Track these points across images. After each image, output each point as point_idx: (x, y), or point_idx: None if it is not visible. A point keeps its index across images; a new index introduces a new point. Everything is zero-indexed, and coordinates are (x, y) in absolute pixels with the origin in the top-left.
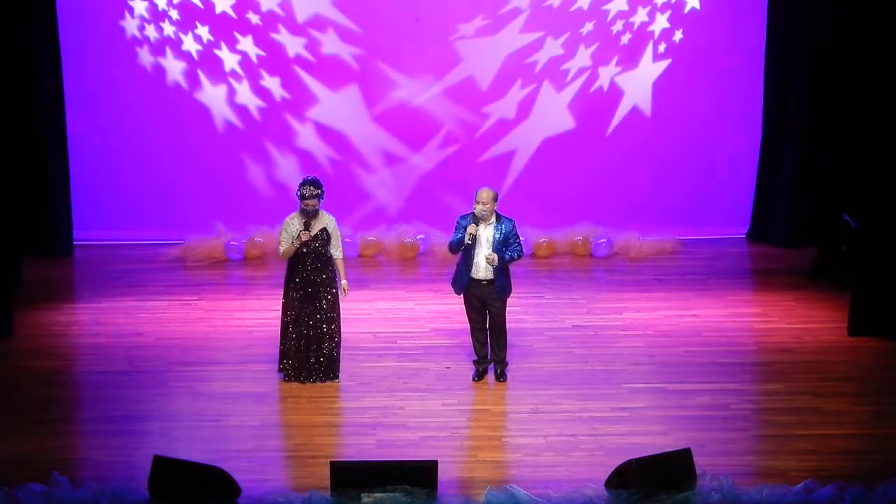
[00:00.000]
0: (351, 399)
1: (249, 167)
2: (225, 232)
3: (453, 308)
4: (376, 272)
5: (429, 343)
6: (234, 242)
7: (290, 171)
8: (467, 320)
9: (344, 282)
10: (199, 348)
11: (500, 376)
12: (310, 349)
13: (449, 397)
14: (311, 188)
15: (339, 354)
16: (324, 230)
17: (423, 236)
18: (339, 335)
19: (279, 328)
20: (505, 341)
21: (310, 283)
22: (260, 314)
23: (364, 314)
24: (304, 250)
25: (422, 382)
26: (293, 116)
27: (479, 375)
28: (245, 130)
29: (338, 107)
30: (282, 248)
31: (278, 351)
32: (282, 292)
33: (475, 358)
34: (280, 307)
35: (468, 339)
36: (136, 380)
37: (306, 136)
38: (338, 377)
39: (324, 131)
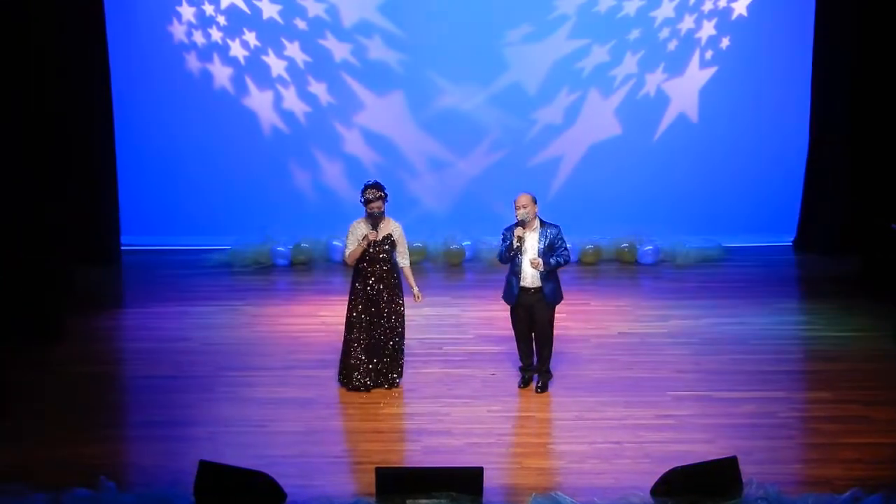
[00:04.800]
0: (396, 405)
1: (296, 173)
2: (271, 238)
3: (499, 315)
4: (422, 279)
5: (474, 350)
6: (281, 248)
7: (336, 177)
8: (512, 329)
9: (416, 289)
10: (244, 354)
11: (542, 388)
12: (373, 358)
13: (494, 404)
14: (375, 190)
15: (401, 363)
16: (388, 237)
17: (469, 243)
18: (403, 345)
19: (341, 337)
20: (550, 352)
21: (374, 291)
22: (305, 320)
23: (410, 320)
24: (368, 257)
25: (467, 389)
26: (339, 122)
27: (525, 382)
28: (291, 136)
29: (384, 112)
30: (347, 251)
31: (339, 359)
32: (347, 298)
33: (521, 365)
34: (344, 314)
35: (514, 346)
36: (183, 385)
37: (352, 142)
38: (397, 384)
39: (370, 137)
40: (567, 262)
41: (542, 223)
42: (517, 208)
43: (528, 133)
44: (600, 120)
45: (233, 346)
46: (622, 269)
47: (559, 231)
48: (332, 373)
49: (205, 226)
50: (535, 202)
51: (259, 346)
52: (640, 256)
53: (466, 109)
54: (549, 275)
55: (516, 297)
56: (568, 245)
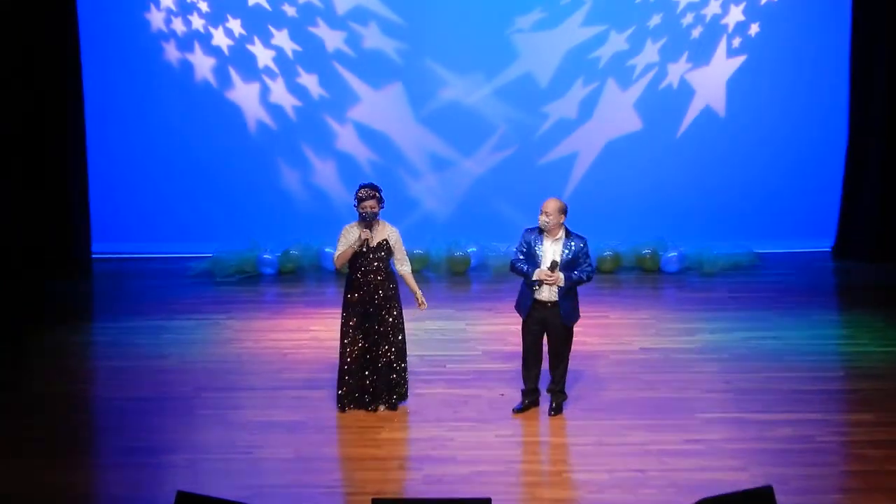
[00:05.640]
0: (395, 429)
1: (284, 172)
2: (257, 244)
3: (508, 328)
4: (423, 289)
5: (481, 367)
6: (268, 256)
7: (328, 177)
8: (522, 344)
9: (419, 295)
10: (228, 372)
11: (556, 410)
12: (370, 378)
13: (503, 428)
14: (369, 189)
15: (405, 380)
16: (384, 243)
17: (474, 249)
18: (405, 359)
19: (337, 351)
20: (564, 371)
21: (368, 301)
22: (296, 335)
23: (409, 335)
24: (361, 266)
25: (473, 411)
26: (332, 117)
27: (525, 406)
28: (280, 132)
29: (381, 106)
30: (336, 254)
31: (337, 377)
32: (341, 312)
33: (524, 387)
34: (337, 326)
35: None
36: (161, 407)
37: (346, 139)
38: (397, 406)
39: (366, 133)
40: (589, 279)
41: (568, 233)
42: (541, 213)
43: (539, 129)
44: (618, 114)
45: (215, 365)
46: (644, 279)
47: (585, 245)
48: (325, 393)
49: (184, 231)
50: (564, 213)
51: (244, 365)
52: (664, 264)
53: (471, 103)
54: (567, 291)
55: (529, 308)
56: (591, 261)
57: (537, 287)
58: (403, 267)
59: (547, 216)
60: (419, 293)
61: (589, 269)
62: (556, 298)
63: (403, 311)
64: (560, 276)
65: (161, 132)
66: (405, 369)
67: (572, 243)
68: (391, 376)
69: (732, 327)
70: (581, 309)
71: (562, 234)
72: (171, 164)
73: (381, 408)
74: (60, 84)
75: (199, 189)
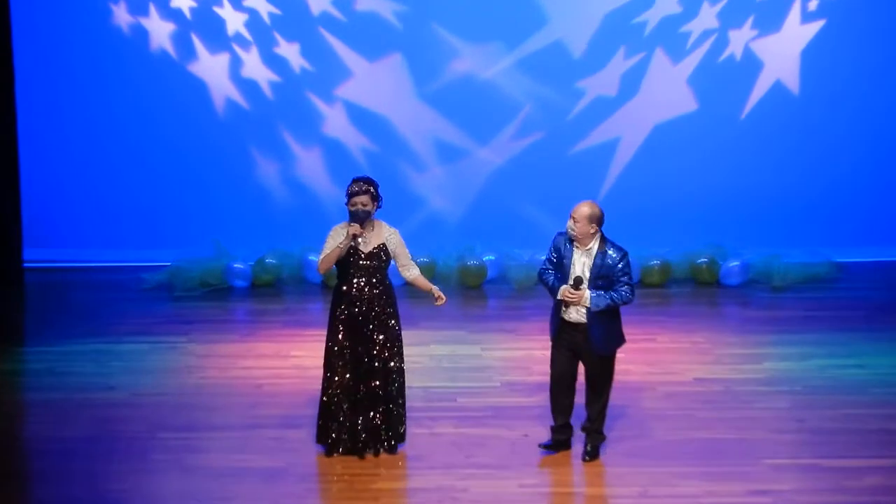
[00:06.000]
0: (394, 478)
1: (259, 163)
2: (226, 251)
3: (533, 354)
4: (428, 305)
5: (500, 402)
6: (239, 265)
7: (312, 169)
8: (550, 372)
9: (435, 289)
10: (190, 408)
11: (591, 454)
12: (363, 414)
13: (526, 476)
14: (362, 183)
15: (403, 416)
16: (381, 248)
17: (492, 257)
18: (403, 389)
19: (321, 380)
20: (602, 408)
21: (360, 317)
22: (273, 362)
23: (413, 362)
24: (354, 278)
25: (490, 456)
26: (318, 95)
27: (555, 446)
28: (254, 114)
29: (377, 83)
30: (320, 257)
31: (318, 410)
32: (326, 332)
33: (553, 423)
34: (322, 351)
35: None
36: (108, 450)
37: (335, 122)
38: (395, 449)
39: (359, 115)
40: (625, 302)
41: (604, 241)
42: (570, 218)
43: (571, 110)
44: (669, 92)
45: (173, 399)
46: (699, 293)
47: (623, 259)
48: (308, 434)
49: (136, 236)
50: (596, 222)
51: (210, 398)
52: (724, 275)
53: (488, 78)
54: (601, 313)
55: (557, 331)
56: (632, 279)
57: (564, 307)
58: (411, 271)
59: (574, 223)
60: (435, 288)
61: (626, 290)
62: (584, 320)
63: (404, 332)
64: (586, 295)
65: (108, 115)
66: (404, 404)
67: (607, 256)
68: (389, 414)
69: (807, 353)
70: (624, 330)
71: (595, 244)
72: (120, 155)
73: (380, 452)
74: None
75: (154, 184)
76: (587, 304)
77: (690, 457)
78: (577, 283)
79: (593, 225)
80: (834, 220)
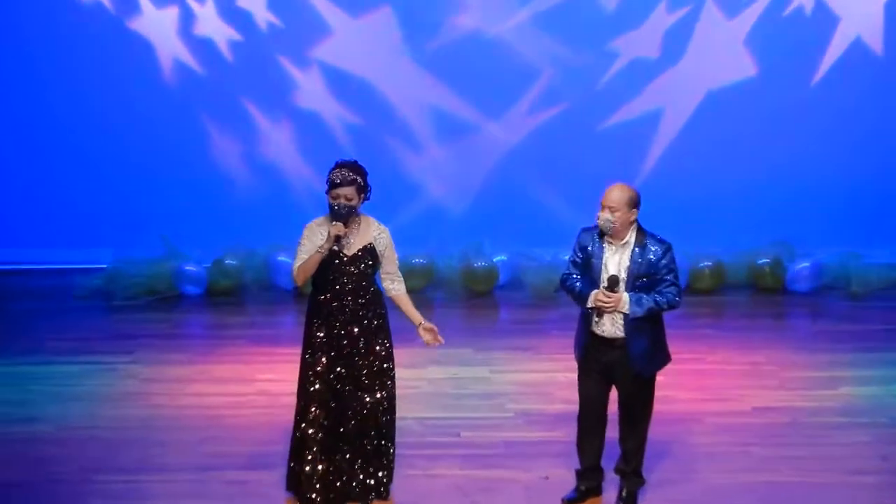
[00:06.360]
0: None
1: (216, 140)
2: (176, 250)
3: (555, 378)
4: (427, 316)
5: (513, 436)
6: (192, 267)
7: (282, 148)
8: (578, 400)
9: (425, 322)
10: (133, 444)
11: (627, 501)
12: (342, 450)
13: None
14: (346, 170)
15: (391, 459)
16: (367, 249)
17: (504, 258)
18: (393, 428)
19: (294, 412)
20: (642, 442)
21: (343, 334)
22: (234, 387)
23: (407, 388)
24: (335, 286)
25: (502, 502)
26: (289, 57)
27: (581, 495)
28: (209, 80)
29: (362, 42)
30: (297, 263)
31: (289, 448)
32: (300, 351)
33: (578, 467)
34: (295, 375)
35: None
36: (34, 496)
37: (310, 90)
38: (386, 495)
39: (340, 82)
40: (672, 306)
41: (642, 236)
42: (601, 207)
43: (601, 76)
44: (723, 53)
45: (112, 432)
46: (760, 303)
47: (667, 253)
48: (277, 476)
49: (66, 232)
50: (635, 206)
51: (157, 433)
52: (791, 279)
53: (498, 37)
54: (641, 323)
55: (584, 348)
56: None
57: (597, 318)
58: (395, 285)
59: (611, 212)
60: (424, 320)
61: (672, 291)
62: (623, 333)
63: (396, 351)
64: (624, 298)
65: (31, 85)
66: (394, 439)
67: (648, 251)
68: (377, 451)
69: (892, 376)
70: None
71: (631, 237)
72: (46, 132)
73: (362, 501)
74: None
75: (88, 168)
76: (625, 308)
77: (748, 503)
78: (613, 283)
79: (633, 210)
80: None
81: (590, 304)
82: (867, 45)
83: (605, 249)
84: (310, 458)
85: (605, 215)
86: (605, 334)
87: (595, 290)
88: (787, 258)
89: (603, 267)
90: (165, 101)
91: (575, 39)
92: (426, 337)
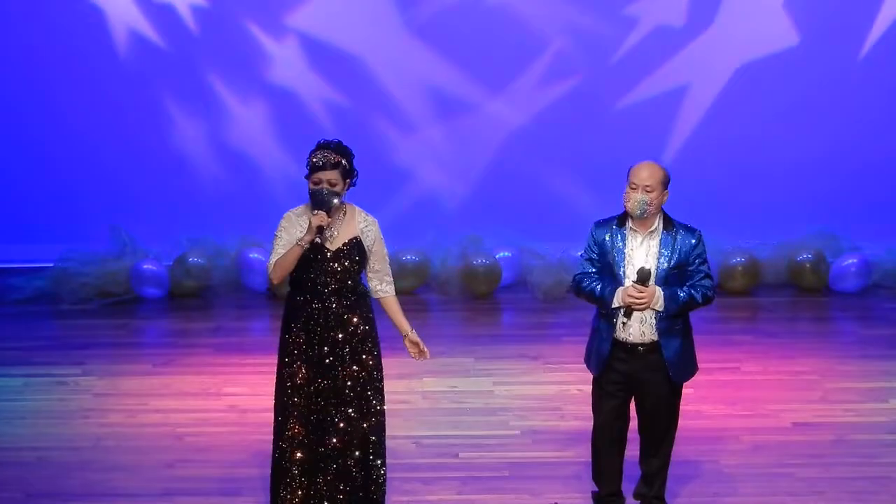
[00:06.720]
0: None
1: (178, 121)
2: (133, 245)
3: (566, 391)
4: (421, 321)
5: (519, 457)
6: (150, 266)
7: (254, 130)
8: (592, 418)
9: (412, 334)
10: (85, 467)
11: None
12: (325, 468)
13: None
14: (329, 152)
15: (382, 477)
16: (353, 242)
17: (507, 254)
18: (383, 447)
19: (271, 428)
20: (666, 462)
21: (325, 340)
22: (200, 402)
23: (399, 402)
24: (316, 286)
25: None
26: (260, 25)
27: None
28: (170, 54)
29: (345, 8)
30: (272, 259)
31: (270, 472)
32: (276, 361)
33: (595, 489)
34: (272, 388)
35: (589, 451)
36: None
37: (286, 63)
38: None
39: (319, 53)
40: (707, 300)
41: (670, 223)
42: (631, 186)
43: (619, 46)
44: (758, 20)
45: (61, 454)
46: (800, 304)
47: (699, 242)
48: (251, 502)
49: (6, 225)
50: (666, 185)
51: (112, 454)
52: (834, 278)
53: (501, 1)
54: (674, 322)
55: (607, 359)
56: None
57: (625, 320)
58: (383, 286)
59: (646, 192)
60: (413, 332)
61: (707, 283)
62: (656, 337)
63: (386, 360)
64: (657, 292)
65: None
66: (384, 459)
67: (678, 240)
68: (365, 472)
69: None
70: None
71: (659, 223)
72: None
73: None
74: None
75: (31, 152)
76: (659, 305)
77: None
78: (644, 276)
79: (666, 192)
80: None
81: (616, 304)
82: None
83: (629, 239)
84: (287, 480)
85: (638, 196)
86: (631, 339)
87: (622, 287)
88: (831, 253)
89: (625, 260)
90: (119, 76)
91: (589, 3)
92: (411, 350)
